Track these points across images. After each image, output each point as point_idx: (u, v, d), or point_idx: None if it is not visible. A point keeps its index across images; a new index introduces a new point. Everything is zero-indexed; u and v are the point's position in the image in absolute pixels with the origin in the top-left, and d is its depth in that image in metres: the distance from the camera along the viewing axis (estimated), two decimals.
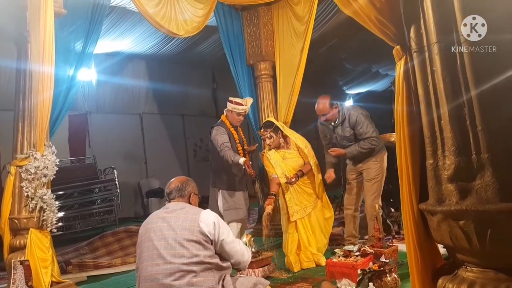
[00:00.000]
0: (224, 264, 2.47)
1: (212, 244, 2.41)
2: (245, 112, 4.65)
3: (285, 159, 4.44)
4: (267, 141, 4.44)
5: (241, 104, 4.60)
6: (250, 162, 4.46)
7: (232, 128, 4.63)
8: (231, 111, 4.61)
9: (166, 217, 2.48)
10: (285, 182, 4.32)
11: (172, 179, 2.74)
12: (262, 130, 4.51)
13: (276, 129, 4.46)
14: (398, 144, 2.12)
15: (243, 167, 4.36)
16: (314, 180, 4.49)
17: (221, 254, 2.47)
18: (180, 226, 2.41)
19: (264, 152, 4.61)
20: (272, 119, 4.87)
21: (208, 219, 2.44)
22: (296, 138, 4.54)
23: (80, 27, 4.42)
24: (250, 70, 6.32)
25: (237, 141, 4.61)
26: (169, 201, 2.65)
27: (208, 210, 2.54)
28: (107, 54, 8.86)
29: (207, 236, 2.39)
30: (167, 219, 2.46)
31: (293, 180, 4.28)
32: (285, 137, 4.53)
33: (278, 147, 4.48)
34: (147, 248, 2.43)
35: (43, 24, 3.54)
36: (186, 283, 2.29)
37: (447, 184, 1.88)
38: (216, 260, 2.42)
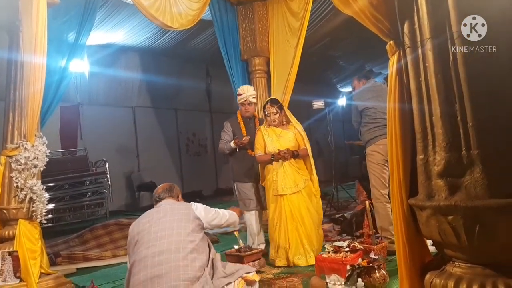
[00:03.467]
0: (212, 249, 2.68)
1: (203, 228, 2.68)
2: (246, 100, 4.68)
3: (279, 137, 4.43)
4: (272, 117, 4.42)
5: (240, 94, 4.66)
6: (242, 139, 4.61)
7: (242, 121, 4.72)
8: (239, 103, 4.74)
9: (161, 209, 2.70)
10: (278, 154, 4.30)
11: (158, 187, 2.98)
12: (268, 104, 4.48)
13: (281, 107, 4.50)
14: (390, 140, 2.13)
15: (251, 157, 4.56)
16: (308, 167, 4.48)
17: (214, 227, 2.88)
18: (177, 218, 2.59)
19: (260, 127, 4.56)
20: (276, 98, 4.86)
21: (199, 208, 2.73)
22: (295, 122, 4.58)
23: (74, 18, 4.39)
24: (244, 65, 6.31)
25: (245, 134, 4.66)
26: (160, 201, 2.84)
27: (192, 203, 2.81)
28: (100, 46, 8.80)
29: (200, 220, 2.65)
30: (162, 211, 2.67)
31: (286, 153, 4.28)
32: (287, 119, 4.57)
33: (279, 125, 4.48)
34: (148, 241, 2.51)
35: (36, 13, 3.50)
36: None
37: (437, 179, 1.89)
38: (205, 243, 2.62)
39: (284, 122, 4.52)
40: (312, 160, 4.49)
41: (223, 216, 2.93)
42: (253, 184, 4.70)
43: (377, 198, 4.39)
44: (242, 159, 4.68)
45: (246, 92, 4.70)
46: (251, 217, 4.67)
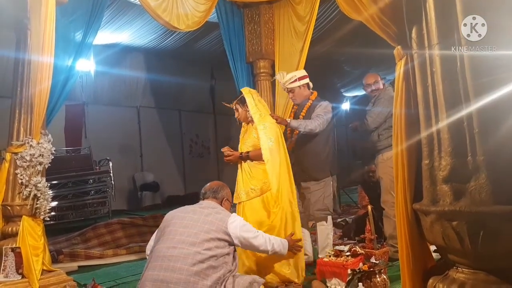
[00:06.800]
0: (233, 266, 2.59)
1: (232, 245, 2.62)
2: (284, 89, 4.24)
3: (244, 134, 3.85)
4: (235, 114, 3.84)
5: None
6: None
7: (293, 109, 4.62)
8: None
9: (198, 210, 2.69)
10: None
11: (209, 183, 2.99)
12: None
13: (243, 101, 3.75)
14: (395, 144, 2.13)
15: None
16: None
17: (248, 248, 2.81)
18: (209, 222, 2.59)
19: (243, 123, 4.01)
20: (245, 89, 3.95)
21: (236, 222, 2.66)
22: (258, 116, 3.64)
23: (81, 17, 4.40)
24: (249, 67, 6.31)
25: None
26: (203, 199, 2.88)
27: (234, 214, 2.76)
28: (106, 45, 8.83)
29: (231, 237, 2.60)
30: (198, 213, 2.66)
31: (226, 152, 3.71)
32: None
33: (247, 122, 3.82)
34: (169, 232, 2.57)
35: (44, 12, 3.51)
36: (194, 272, 2.38)
37: (442, 184, 1.90)
38: (228, 259, 2.56)
39: (250, 119, 3.72)
40: (271, 167, 3.47)
41: (265, 241, 2.81)
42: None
43: (391, 205, 4.25)
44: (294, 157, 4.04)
45: (281, 80, 4.26)
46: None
